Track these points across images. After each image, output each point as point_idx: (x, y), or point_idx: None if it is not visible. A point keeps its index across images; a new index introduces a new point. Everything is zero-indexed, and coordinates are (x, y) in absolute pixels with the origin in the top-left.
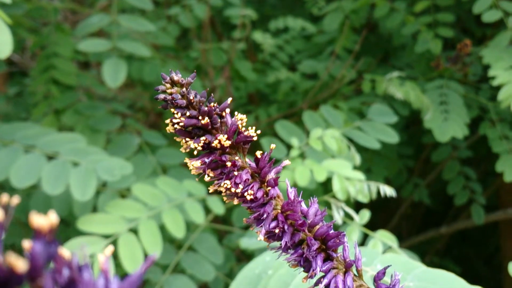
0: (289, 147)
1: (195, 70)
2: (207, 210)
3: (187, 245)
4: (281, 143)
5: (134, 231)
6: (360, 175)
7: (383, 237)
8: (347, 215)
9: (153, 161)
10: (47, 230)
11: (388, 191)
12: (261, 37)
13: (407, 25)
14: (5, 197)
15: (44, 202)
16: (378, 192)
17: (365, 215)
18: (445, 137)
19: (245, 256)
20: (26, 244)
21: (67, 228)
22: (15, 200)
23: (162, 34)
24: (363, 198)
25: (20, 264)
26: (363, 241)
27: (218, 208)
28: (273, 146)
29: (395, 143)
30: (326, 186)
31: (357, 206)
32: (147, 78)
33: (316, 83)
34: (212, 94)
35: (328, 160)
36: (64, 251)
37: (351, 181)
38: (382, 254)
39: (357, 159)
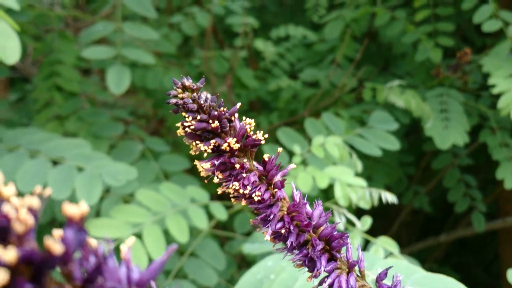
0: (291, 154)
1: (203, 76)
2: (210, 216)
3: (190, 251)
4: (283, 151)
5: (139, 235)
6: (361, 182)
7: (385, 243)
8: (348, 222)
9: (156, 168)
10: (78, 218)
11: (389, 197)
12: (263, 45)
13: (408, 34)
14: (38, 188)
15: (49, 205)
16: (379, 199)
17: (367, 221)
18: (445, 145)
19: (245, 263)
20: (57, 232)
21: None
22: (48, 191)
23: (164, 41)
24: (365, 205)
25: (57, 247)
26: (364, 247)
27: (221, 214)
28: (280, 149)
29: (396, 150)
30: (327, 193)
31: (358, 213)
32: (150, 85)
33: (317, 91)
34: (222, 99)
35: (330, 167)
36: (91, 240)
37: (353, 188)
38: (383, 259)
39: (359, 166)
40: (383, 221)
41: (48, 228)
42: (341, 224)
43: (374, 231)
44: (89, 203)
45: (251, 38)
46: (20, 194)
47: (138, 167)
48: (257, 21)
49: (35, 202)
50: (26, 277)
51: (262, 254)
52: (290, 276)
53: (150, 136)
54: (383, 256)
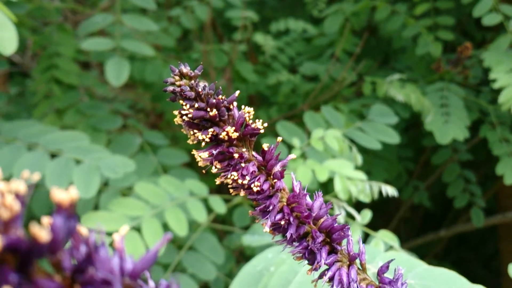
0: (290, 148)
1: (201, 63)
2: (209, 210)
3: (189, 245)
4: (282, 144)
5: (137, 229)
6: (361, 175)
7: (385, 237)
8: (348, 215)
9: (155, 161)
10: (67, 205)
11: (389, 190)
12: (262, 39)
13: (408, 28)
14: (26, 173)
15: (47, 199)
16: (379, 193)
17: (367, 215)
18: (445, 139)
19: (244, 258)
20: (46, 219)
21: None
22: (36, 176)
23: (163, 35)
24: (365, 198)
25: (43, 235)
26: (365, 241)
27: (219, 207)
28: (279, 139)
29: (396, 143)
30: (326, 187)
31: (357, 207)
32: (148, 78)
33: (316, 85)
34: (220, 87)
35: (329, 160)
36: (82, 228)
37: (353, 181)
38: (384, 252)
39: (359, 159)
40: (382, 216)
41: None
42: (341, 218)
43: (373, 227)
44: (87, 196)
45: (251, 31)
46: None
47: (136, 161)
48: (257, 15)
49: (21, 187)
50: (12, 266)
51: (262, 247)
52: (290, 269)
53: (149, 130)
54: (383, 249)
